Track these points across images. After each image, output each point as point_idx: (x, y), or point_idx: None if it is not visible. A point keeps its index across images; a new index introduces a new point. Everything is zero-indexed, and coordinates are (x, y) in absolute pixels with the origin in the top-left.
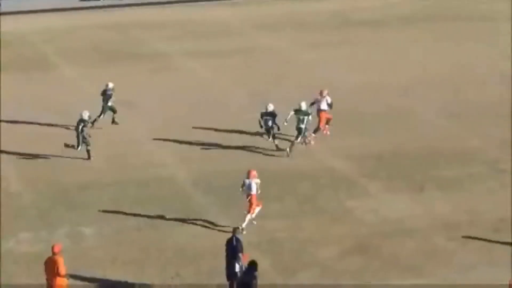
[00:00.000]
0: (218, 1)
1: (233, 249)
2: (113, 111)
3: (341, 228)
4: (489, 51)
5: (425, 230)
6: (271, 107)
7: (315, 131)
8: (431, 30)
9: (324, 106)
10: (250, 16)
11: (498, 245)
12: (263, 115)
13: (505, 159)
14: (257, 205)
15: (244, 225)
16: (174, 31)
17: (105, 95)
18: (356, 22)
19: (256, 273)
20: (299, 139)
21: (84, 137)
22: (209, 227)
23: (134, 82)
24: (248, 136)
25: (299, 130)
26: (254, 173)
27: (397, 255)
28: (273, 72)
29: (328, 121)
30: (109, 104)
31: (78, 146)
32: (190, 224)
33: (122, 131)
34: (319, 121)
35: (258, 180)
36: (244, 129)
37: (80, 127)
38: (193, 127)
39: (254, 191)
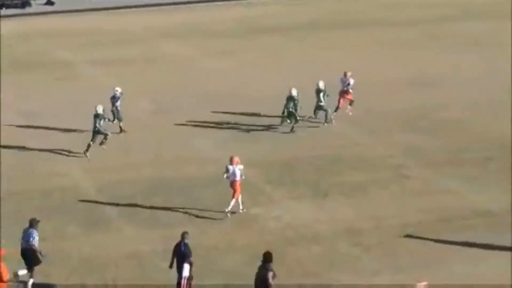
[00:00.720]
0: (122, 10)
1: (181, 254)
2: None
3: (246, 235)
4: (394, 57)
5: (329, 236)
6: (294, 91)
7: (336, 110)
8: (336, 36)
9: (346, 87)
10: (155, 25)
11: (402, 250)
12: (288, 99)
13: (408, 164)
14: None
15: (229, 208)
16: (78, 40)
17: (113, 99)
18: (261, 29)
19: (270, 265)
20: (327, 117)
21: (100, 130)
22: (113, 236)
23: (37, 92)
24: (151, 144)
25: (319, 107)
26: (237, 159)
27: (302, 261)
28: (177, 80)
29: (351, 103)
30: (117, 108)
31: (92, 140)
32: (95, 233)
33: (25, 140)
34: (339, 100)
35: (241, 166)
36: (147, 137)
37: (97, 121)
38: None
39: (238, 177)
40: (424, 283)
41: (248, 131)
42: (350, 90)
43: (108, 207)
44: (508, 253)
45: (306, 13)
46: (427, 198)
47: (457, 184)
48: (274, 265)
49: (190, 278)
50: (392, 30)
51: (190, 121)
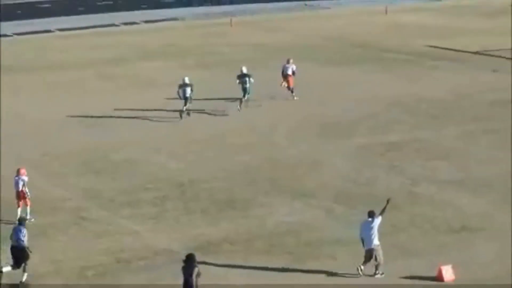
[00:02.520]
0: None
1: None
2: None
3: None
4: (64, 98)
5: None
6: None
7: (292, 91)
8: (4, 81)
9: (290, 71)
10: None
11: None
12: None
13: (87, 207)
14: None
15: (28, 215)
16: None
17: None
18: None
19: (194, 264)
20: (246, 97)
21: None
22: None
23: None
24: None
25: (244, 90)
26: (23, 171)
27: None
28: None
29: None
30: None
31: None
32: None
33: None
34: (288, 83)
35: (25, 178)
36: None
37: None
38: None
39: (20, 187)
40: None
41: None
42: (292, 75)
43: None
44: None
45: None
46: (106, 240)
47: (136, 224)
48: None
49: None
50: (63, 73)
51: None
